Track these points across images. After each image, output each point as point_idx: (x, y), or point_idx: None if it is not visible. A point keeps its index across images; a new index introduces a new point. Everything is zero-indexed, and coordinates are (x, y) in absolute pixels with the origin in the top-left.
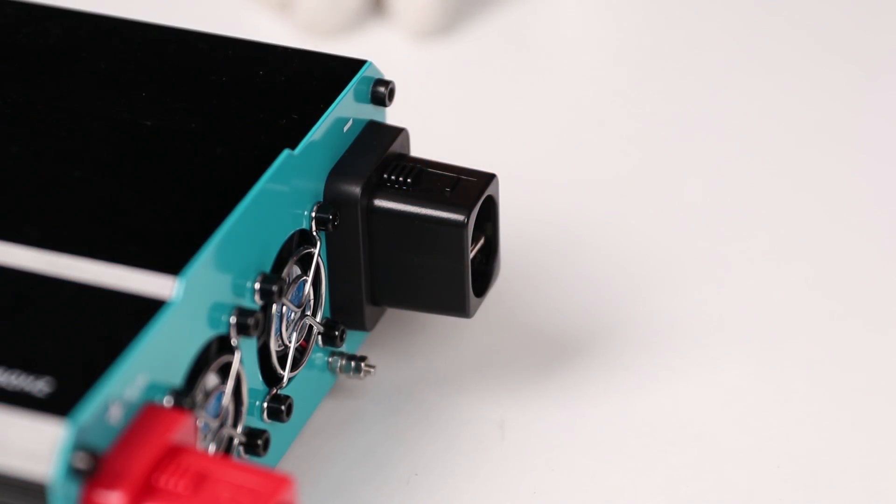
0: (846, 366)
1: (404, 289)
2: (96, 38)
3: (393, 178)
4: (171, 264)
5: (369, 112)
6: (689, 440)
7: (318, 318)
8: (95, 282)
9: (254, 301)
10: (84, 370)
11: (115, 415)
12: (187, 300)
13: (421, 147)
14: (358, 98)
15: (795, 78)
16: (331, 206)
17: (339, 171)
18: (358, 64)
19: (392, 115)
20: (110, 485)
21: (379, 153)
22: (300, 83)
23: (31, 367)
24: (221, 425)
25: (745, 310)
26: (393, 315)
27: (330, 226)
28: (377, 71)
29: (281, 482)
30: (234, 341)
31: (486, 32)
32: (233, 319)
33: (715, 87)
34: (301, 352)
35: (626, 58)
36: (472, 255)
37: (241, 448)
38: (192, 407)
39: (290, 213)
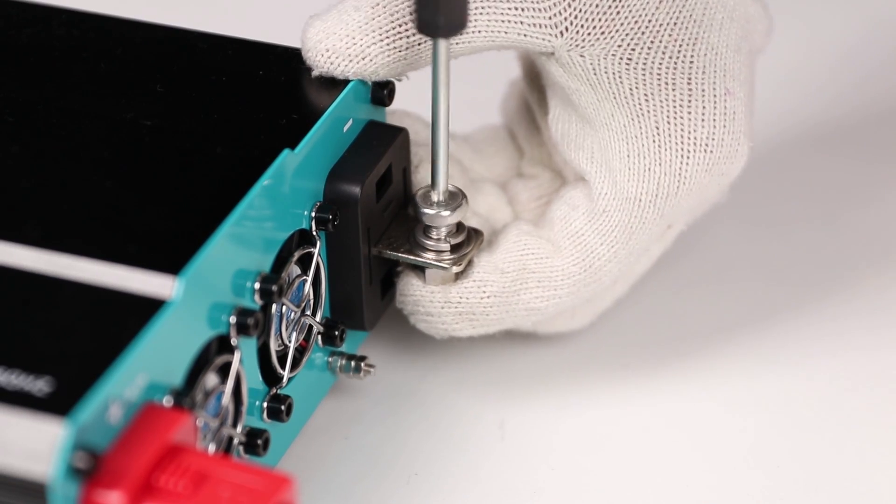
0: (846, 365)
1: None
2: (97, 38)
3: None
4: (171, 264)
5: (369, 112)
6: (689, 440)
7: (318, 318)
8: (95, 281)
9: (253, 301)
10: (84, 370)
11: (115, 414)
12: (187, 300)
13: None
14: (358, 98)
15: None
16: (330, 205)
17: (339, 170)
18: None
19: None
20: (110, 484)
21: (379, 153)
22: (300, 83)
23: (30, 366)
24: (221, 425)
25: (746, 310)
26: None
27: (330, 225)
28: None
29: (281, 482)
30: (233, 341)
31: None
32: (233, 319)
33: None
34: (301, 351)
35: None
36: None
37: (241, 448)
38: (192, 407)
39: (289, 212)
